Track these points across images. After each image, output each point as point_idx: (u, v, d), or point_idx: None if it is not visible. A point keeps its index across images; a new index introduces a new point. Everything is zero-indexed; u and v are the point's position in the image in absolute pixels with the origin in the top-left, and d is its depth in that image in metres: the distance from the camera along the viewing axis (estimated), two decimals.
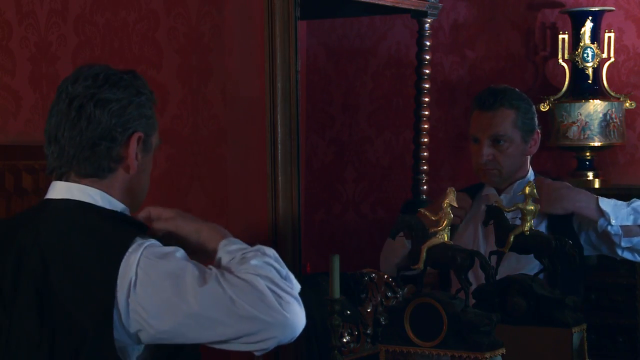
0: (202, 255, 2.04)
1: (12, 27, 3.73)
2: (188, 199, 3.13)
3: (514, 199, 3.01)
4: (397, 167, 4.77)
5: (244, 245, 2.00)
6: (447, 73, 4.73)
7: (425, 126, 3.98)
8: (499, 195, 3.11)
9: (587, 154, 4.36)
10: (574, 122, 4.30)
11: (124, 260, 1.89)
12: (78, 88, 1.99)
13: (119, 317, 1.88)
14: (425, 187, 4.00)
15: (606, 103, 4.30)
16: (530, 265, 2.86)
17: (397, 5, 3.70)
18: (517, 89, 3.15)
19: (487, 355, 2.29)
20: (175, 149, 3.14)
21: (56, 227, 1.97)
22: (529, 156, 3.14)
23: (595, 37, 4.35)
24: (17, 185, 3.75)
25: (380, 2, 3.58)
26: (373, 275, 2.95)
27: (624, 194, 4.19)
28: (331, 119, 4.93)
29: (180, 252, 1.94)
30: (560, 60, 4.41)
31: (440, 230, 2.40)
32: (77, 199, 2.00)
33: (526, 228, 2.63)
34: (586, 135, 4.29)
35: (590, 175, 4.36)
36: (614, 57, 4.38)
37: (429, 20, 3.90)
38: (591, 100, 4.30)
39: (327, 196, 4.94)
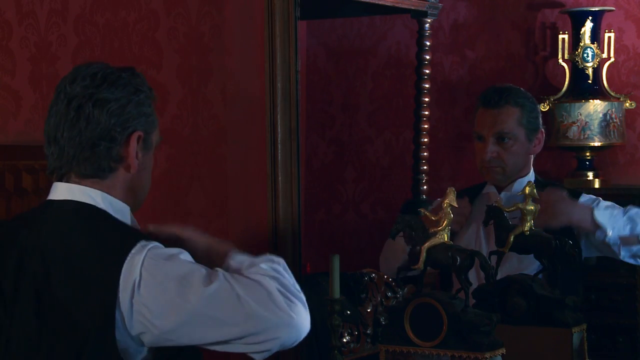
0: (208, 263, 2.03)
1: (12, 27, 3.73)
2: (188, 199, 3.12)
3: (513, 197, 3.00)
4: (397, 167, 4.77)
5: (252, 257, 2.00)
6: (447, 73, 4.73)
7: (425, 126, 3.98)
8: (499, 193, 3.11)
9: (587, 154, 4.36)
10: (574, 122, 4.31)
11: (127, 262, 1.88)
12: (76, 88, 1.98)
13: (121, 319, 1.88)
14: (425, 187, 4.00)
15: (606, 103, 4.30)
16: (533, 266, 2.86)
17: (397, 5, 3.70)
18: (522, 88, 3.15)
19: (487, 355, 2.29)
20: (175, 149, 3.14)
21: (57, 228, 1.97)
22: (532, 155, 3.14)
23: (595, 37, 4.35)
24: (17, 185, 3.75)
25: (380, 2, 3.58)
26: (373, 275, 2.95)
27: (624, 194, 4.20)
28: (331, 119, 4.93)
29: (185, 254, 1.93)
30: (560, 60, 4.41)
31: (440, 230, 2.40)
32: (78, 200, 1.99)
33: (526, 228, 2.64)
34: (586, 135, 4.29)
35: (590, 175, 4.36)
36: (614, 57, 4.38)
37: (429, 20, 3.90)
38: (591, 100, 4.30)
39: (327, 196, 4.94)
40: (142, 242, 1.91)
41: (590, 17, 4.33)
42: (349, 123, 4.90)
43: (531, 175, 3.13)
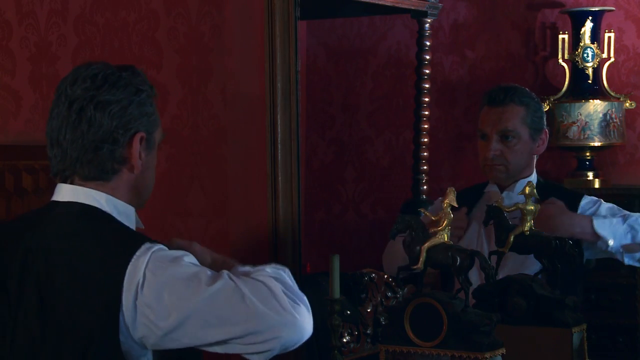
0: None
1: (12, 27, 3.73)
2: (188, 199, 3.13)
3: (515, 197, 3.00)
4: (397, 167, 4.77)
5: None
6: (447, 73, 4.73)
7: (425, 126, 3.98)
8: (501, 192, 3.11)
9: (587, 154, 4.36)
10: (574, 122, 4.31)
11: (131, 264, 1.88)
12: (77, 90, 1.97)
13: (124, 321, 1.88)
14: (425, 187, 4.01)
15: (606, 103, 4.30)
16: (535, 267, 2.86)
17: (397, 5, 3.70)
18: (526, 88, 3.15)
19: (487, 355, 2.29)
20: (175, 149, 3.14)
21: (62, 230, 1.97)
22: (535, 156, 3.14)
23: (595, 37, 4.36)
24: (17, 185, 3.75)
25: (380, 2, 3.58)
26: (373, 275, 2.95)
27: (624, 194, 4.21)
28: (331, 119, 4.93)
29: (189, 257, 1.93)
30: (560, 60, 4.41)
31: (440, 230, 2.40)
32: (83, 202, 1.99)
33: (526, 228, 2.64)
34: (586, 135, 4.30)
35: (590, 175, 4.36)
36: (614, 57, 4.39)
37: (429, 20, 3.90)
38: (591, 100, 4.30)
39: (327, 196, 4.94)
40: (147, 245, 1.91)
41: (590, 17, 4.34)
42: (349, 123, 4.90)
43: (534, 177, 3.13)
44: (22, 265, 1.96)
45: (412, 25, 4.12)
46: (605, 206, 3.05)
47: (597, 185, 4.32)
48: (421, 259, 2.41)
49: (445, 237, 2.40)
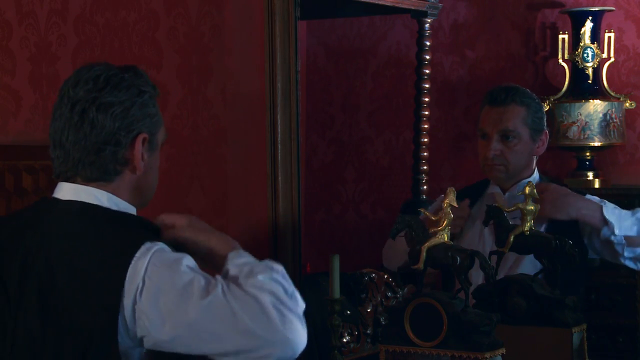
0: (209, 264, 2.02)
1: (12, 27, 3.73)
2: (188, 199, 3.13)
3: (517, 198, 3.00)
4: (397, 167, 4.77)
5: (252, 259, 1.98)
6: (447, 73, 4.73)
7: (425, 126, 3.98)
8: (504, 194, 3.11)
9: (587, 154, 4.36)
10: (574, 122, 4.31)
11: (131, 266, 1.88)
12: (79, 92, 1.97)
13: (123, 322, 1.88)
14: (425, 187, 4.00)
15: (606, 103, 4.30)
16: (529, 267, 2.86)
17: (397, 5, 3.70)
18: (527, 89, 3.16)
19: (487, 355, 2.29)
20: (175, 149, 3.14)
21: (63, 229, 1.96)
22: (535, 157, 3.14)
23: (595, 37, 4.35)
24: (17, 185, 3.75)
25: (380, 2, 3.58)
26: (373, 275, 2.95)
27: (624, 194, 4.20)
28: (331, 119, 4.93)
29: (187, 260, 1.92)
30: (560, 60, 4.41)
31: (440, 230, 2.40)
32: (84, 200, 1.99)
33: (526, 228, 2.64)
34: (586, 135, 4.29)
35: (590, 175, 4.36)
36: (614, 57, 4.38)
37: (429, 20, 3.90)
38: (591, 100, 4.30)
39: (327, 196, 4.94)
40: (147, 245, 1.91)
41: (590, 17, 4.33)
42: (349, 123, 4.90)
43: (535, 177, 3.13)
44: (22, 264, 1.96)
45: (412, 25, 4.11)
46: (610, 206, 3.05)
47: (597, 185, 4.32)
48: (421, 259, 2.41)
49: (445, 237, 2.41)
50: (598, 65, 4.37)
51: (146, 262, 1.88)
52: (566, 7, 4.51)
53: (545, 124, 3.15)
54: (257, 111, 2.88)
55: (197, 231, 2.08)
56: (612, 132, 4.30)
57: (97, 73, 1.99)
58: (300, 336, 1.87)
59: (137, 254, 1.89)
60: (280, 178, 2.85)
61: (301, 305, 1.91)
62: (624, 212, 2.99)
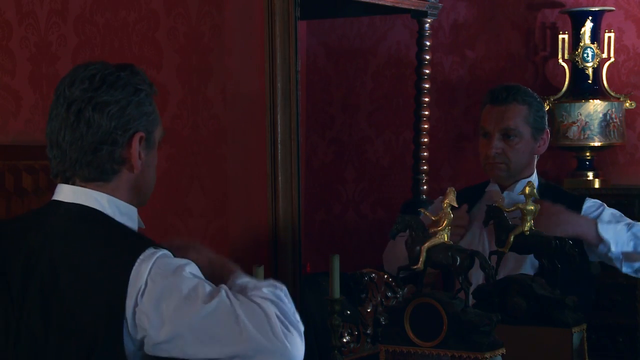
0: (211, 280, 2.03)
1: (12, 27, 3.73)
2: (188, 199, 3.13)
3: (515, 197, 3.00)
4: (397, 167, 4.77)
5: (256, 279, 2.01)
6: (447, 73, 4.73)
7: (425, 126, 3.98)
8: (502, 192, 3.11)
9: (587, 154, 4.36)
10: (574, 122, 4.31)
11: (134, 268, 1.87)
12: (75, 92, 1.96)
13: (125, 324, 1.88)
14: (425, 187, 4.00)
15: (606, 103, 4.30)
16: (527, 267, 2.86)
17: (397, 5, 3.70)
18: (529, 88, 3.16)
19: (487, 355, 2.29)
20: (175, 149, 3.14)
21: (65, 231, 1.96)
22: (536, 156, 3.14)
23: (595, 37, 4.35)
24: (17, 185, 3.75)
25: (380, 2, 3.58)
26: (373, 275, 2.95)
27: (624, 194, 4.20)
28: (331, 119, 4.93)
29: (191, 266, 1.93)
30: (560, 60, 4.41)
31: (440, 230, 2.40)
32: (85, 204, 1.99)
33: (526, 228, 2.64)
34: (586, 135, 4.29)
35: (590, 175, 4.36)
36: (614, 57, 4.38)
37: (429, 20, 3.90)
38: (591, 100, 4.30)
39: (327, 196, 4.94)
40: (151, 249, 1.91)
41: (590, 17, 4.33)
42: (349, 123, 4.90)
43: (534, 177, 3.13)
44: (25, 264, 1.96)
45: (412, 25, 4.11)
46: (609, 212, 3.04)
47: (597, 185, 4.32)
48: (421, 259, 2.41)
49: (445, 237, 2.40)
50: (598, 65, 4.37)
51: (150, 265, 1.88)
52: (566, 7, 4.51)
53: (547, 123, 3.15)
54: (257, 111, 2.88)
55: (201, 253, 2.10)
56: (612, 132, 4.30)
57: (93, 72, 1.98)
58: (298, 350, 1.88)
59: (141, 257, 1.89)
60: (280, 178, 2.85)
61: (302, 325, 1.92)
62: (620, 226, 2.96)
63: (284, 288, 1.97)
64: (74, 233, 1.96)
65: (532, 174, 3.13)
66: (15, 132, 3.75)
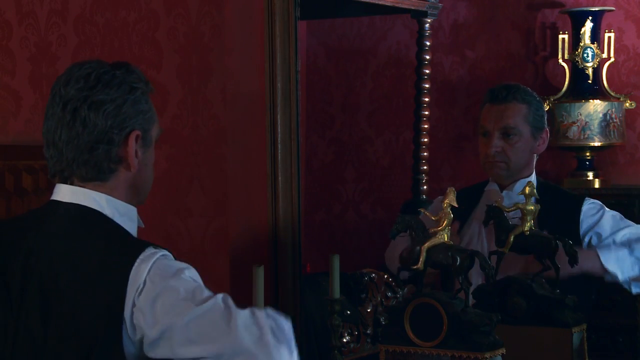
0: None
1: (12, 27, 3.73)
2: (188, 199, 3.13)
3: (515, 197, 3.00)
4: (397, 167, 4.77)
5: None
6: (447, 73, 4.73)
7: (425, 126, 3.98)
8: (501, 192, 3.11)
9: (587, 154, 4.36)
10: (574, 122, 4.31)
11: (134, 268, 1.87)
12: (70, 91, 1.96)
13: (124, 324, 1.87)
14: (425, 187, 4.00)
15: (606, 103, 4.30)
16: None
17: (397, 5, 3.70)
18: (528, 88, 3.16)
19: (487, 355, 2.29)
20: (175, 149, 3.14)
21: (65, 232, 1.96)
22: (536, 155, 3.14)
23: (595, 37, 4.36)
24: (17, 185, 3.75)
25: (380, 2, 3.58)
26: (373, 275, 2.95)
27: (624, 194, 4.20)
28: (331, 119, 4.93)
29: (190, 270, 1.92)
30: (560, 60, 4.41)
31: (440, 230, 2.40)
32: (84, 204, 1.99)
33: (526, 228, 2.64)
34: (586, 135, 4.30)
35: (590, 175, 4.36)
36: (614, 57, 4.39)
37: (429, 20, 3.90)
38: (591, 100, 4.30)
39: (327, 196, 4.94)
40: (150, 249, 1.91)
41: (590, 17, 4.34)
42: (349, 123, 4.90)
43: (533, 177, 3.13)
44: (24, 264, 1.95)
45: (412, 25, 4.11)
46: (609, 215, 3.04)
47: (597, 185, 4.32)
48: (421, 259, 2.41)
49: (445, 237, 2.41)
50: (598, 65, 4.37)
51: (149, 265, 1.88)
52: (566, 7, 4.51)
53: (546, 122, 3.15)
54: (257, 111, 2.88)
55: None
56: (612, 132, 4.30)
57: (88, 71, 1.97)
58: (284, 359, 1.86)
59: (141, 257, 1.89)
60: (280, 178, 2.85)
61: (295, 346, 1.89)
62: (622, 252, 2.96)
63: (289, 321, 1.93)
64: (73, 233, 1.96)
65: (531, 173, 3.14)
66: (15, 132, 3.75)
